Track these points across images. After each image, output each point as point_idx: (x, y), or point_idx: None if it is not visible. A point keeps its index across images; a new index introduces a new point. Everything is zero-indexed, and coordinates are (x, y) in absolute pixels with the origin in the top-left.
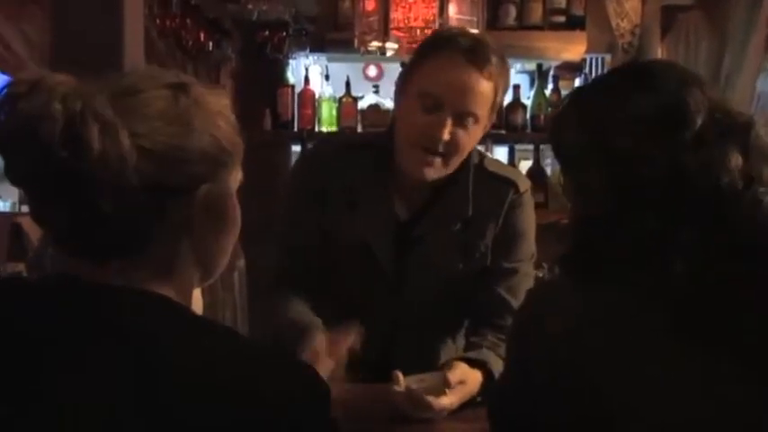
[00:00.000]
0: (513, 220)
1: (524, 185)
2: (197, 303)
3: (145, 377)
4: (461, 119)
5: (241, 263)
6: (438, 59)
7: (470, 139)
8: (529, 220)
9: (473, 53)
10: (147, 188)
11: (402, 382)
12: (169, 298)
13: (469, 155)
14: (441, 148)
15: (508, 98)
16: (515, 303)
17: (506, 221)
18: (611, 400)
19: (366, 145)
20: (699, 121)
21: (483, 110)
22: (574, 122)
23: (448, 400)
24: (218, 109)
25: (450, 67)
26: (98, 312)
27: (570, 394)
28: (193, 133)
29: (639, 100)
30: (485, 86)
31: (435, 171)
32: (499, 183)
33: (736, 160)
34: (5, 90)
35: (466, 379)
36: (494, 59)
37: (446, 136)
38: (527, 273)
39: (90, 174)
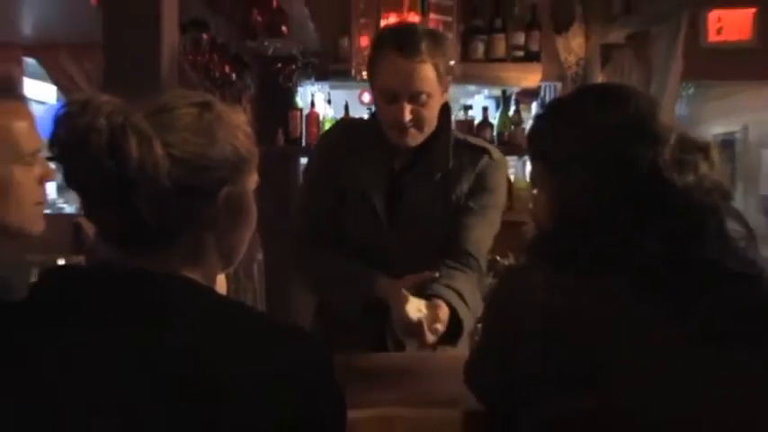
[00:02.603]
0: (485, 175)
1: (497, 154)
2: (221, 287)
3: (173, 343)
4: (416, 99)
5: (260, 255)
6: (384, 62)
7: (431, 108)
8: (499, 178)
9: (404, 48)
10: (178, 190)
11: (412, 302)
12: (196, 280)
13: (449, 119)
14: (409, 124)
15: (478, 118)
16: (475, 235)
17: (478, 177)
18: (588, 364)
19: (363, 122)
20: (673, 137)
21: (430, 86)
22: (556, 128)
23: (432, 338)
24: (237, 123)
25: (392, 65)
26: (137, 293)
27: (550, 362)
28: (216, 143)
29: (620, 113)
30: (422, 70)
31: (412, 138)
32: (475, 149)
33: (702, 170)
34: (62, 109)
35: (445, 319)
36: (423, 45)
37: (407, 116)
38: (492, 221)
39: (130, 179)
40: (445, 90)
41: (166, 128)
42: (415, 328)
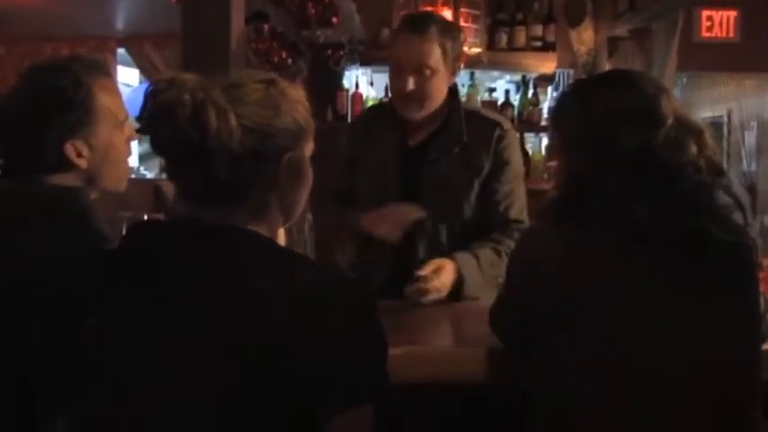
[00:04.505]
0: (501, 152)
1: (507, 125)
2: (281, 238)
3: (241, 286)
4: (418, 72)
5: (309, 215)
6: (397, 39)
7: (434, 84)
8: (514, 151)
9: (414, 26)
10: (248, 156)
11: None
12: (261, 233)
13: (458, 99)
14: (412, 96)
15: (501, 99)
16: (513, 216)
17: (496, 155)
18: (587, 307)
19: (378, 106)
20: (669, 121)
21: (434, 62)
22: (575, 107)
23: (438, 282)
24: (297, 98)
25: (401, 40)
26: (211, 243)
27: (560, 301)
28: (280, 115)
29: (627, 96)
30: (427, 46)
31: (414, 110)
32: (487, 122)
33: (693, 150)
34: (151, 86)
35: (442, 265)
36: (433, 27)
37: (410, 87)
38: (519, 193)
39: (209, 145)
40: (453, 73)
41: (238, 101)
42: (414, 290)
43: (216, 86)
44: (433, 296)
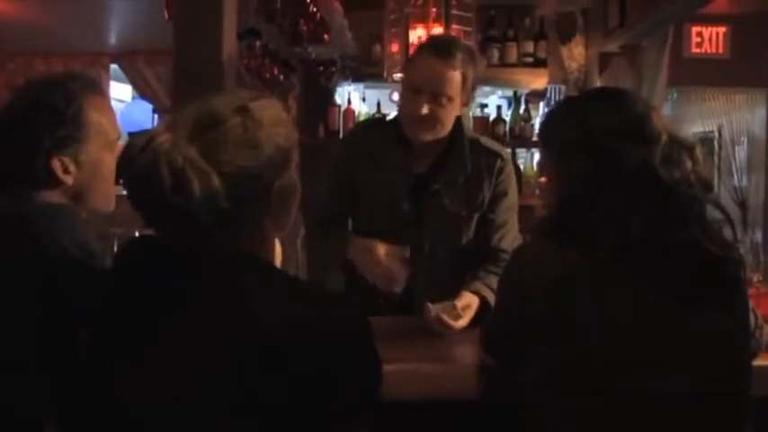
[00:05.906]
0: (500, 184)
1: (506, 154)
2: (278, 253)
3: (241, 302)
4: (435, 99)
5: (302, 232)
6: (418, 60)
7: (447, 112)
8: (512, 181)
9: (440, 51)
10: (237, 201)
11: (432, 308)
12: (260, 257)
13: (462, 128)
14: (424, 119)
15: (493, 115)
16: (510, 236)
17: (496, 185)
18: (581, 322)
19: (381, 122)
20: (664, 137)
21: (452, 91)
22: (567, 122)
23: (463, 321)
24: (274, 119)
25: (425, 63)
26: (207, 263)
27: (551, 318)
28: (262, 150)
29: (619, 113)
30: (451, 74)
31: (425, 134)
32: (490, 152)
33: (688, 166)
34: (125, 150)
35: (471, 304)
36: (458, 54)
37: (424, 111)
38: (513, 224)
39: (195, 208)
40: (466, 103)
41: (217, 147)
42: (438, 321)
43: (190, 142)
44: (450, 332)
